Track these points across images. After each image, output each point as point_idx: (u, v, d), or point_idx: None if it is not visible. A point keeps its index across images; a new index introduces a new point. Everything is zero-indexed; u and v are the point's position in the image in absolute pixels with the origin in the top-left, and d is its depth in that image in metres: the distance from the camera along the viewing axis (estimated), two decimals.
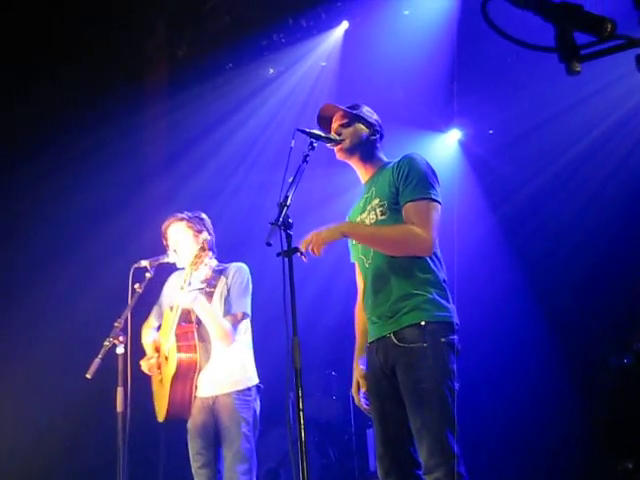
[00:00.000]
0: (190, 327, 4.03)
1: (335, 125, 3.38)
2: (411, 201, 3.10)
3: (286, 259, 2.85)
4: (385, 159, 3.43)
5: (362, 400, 3.33)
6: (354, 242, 3.37)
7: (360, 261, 3.33)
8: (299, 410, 2.75)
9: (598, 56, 1.31)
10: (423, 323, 3.03)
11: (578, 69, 1.33)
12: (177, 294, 3.98)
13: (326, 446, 6.91)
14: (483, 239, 7.33)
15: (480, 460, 6.34)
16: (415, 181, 3.13)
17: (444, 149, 7.86)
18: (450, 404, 2.97)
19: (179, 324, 3.99)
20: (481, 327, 6.60)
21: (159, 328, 4.33)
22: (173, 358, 3.94)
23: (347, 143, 3.33)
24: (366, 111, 3.45)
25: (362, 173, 3.43)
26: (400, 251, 3.10)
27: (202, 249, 3.85)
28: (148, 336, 4.33)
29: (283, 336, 2.78)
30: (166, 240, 4.22)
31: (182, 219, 4.22)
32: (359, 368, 3.36)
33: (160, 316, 4.34)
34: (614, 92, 6.72)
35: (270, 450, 6.29)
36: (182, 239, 4.16)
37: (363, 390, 3.32)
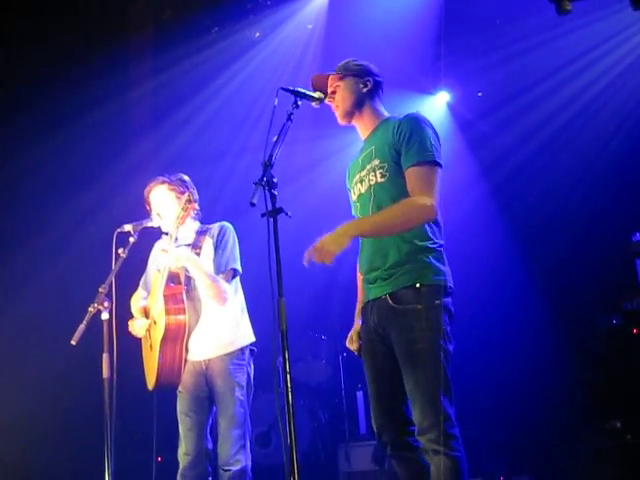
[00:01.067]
0: (179, 288, 3.97)
1: (330, 91, 3.34)
2: (413, 165, 3.06)
3: (271, 219, 2.80)
4: (386, 113, 3.38)
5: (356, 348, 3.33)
6: (352, 198, 3.35)
7: (358, 217, 3.29)
8: (286, 373, 2.72)
9: None
10: (418, 285, 3.03)
11: (569, 7, 1.28)
12: (162, 255, 3.91)
13: (316, 409, 6.94)
14: (473, 203, 7.31)
15: (471, 422, 6.37)
16: (417, 144, 3.09)
17: (432, 112, 7.78)
18: (444, 365, 2.97)
19: (167, 285, 3.93)
20: (471, 292, 6.59)
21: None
22: (161, 321, 3.88)
23: (340, 109, 3.31)
24: (352, 62, 3.38)
25: (362, 128, 3.39)
26: (407, 228, 3.06)
27: (188, 201, 3.82)
28: (136, 303, 4.28)
29: (269, 299, 2.74)
30: (149, 205, 4.16)
31: (163, 182, 4.15)
32: (357, 323, 3.35)
33: (147, 284, 4.30)
34: (608, 52, 6.68)
35: (261, 414, 6.30)
36: (165, 202, 4.09)
37: (355, 348, 3.32)
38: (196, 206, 3.93)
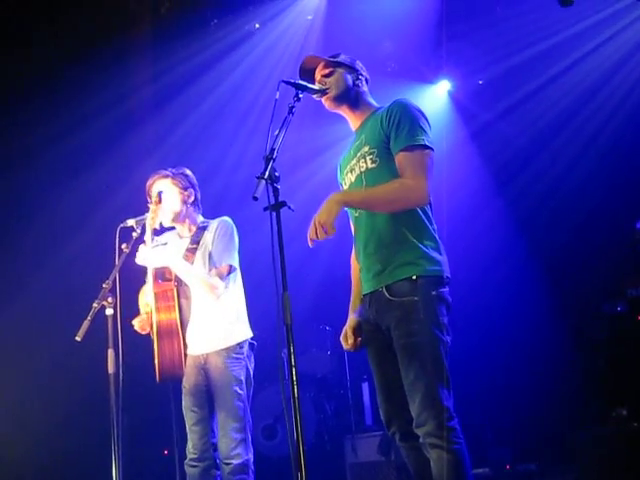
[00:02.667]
0: (169, 285, 3.97)
1: (318, 76, 3.31)
2: (403, 150, 3.03)
3: (273, 213, 2.79)
4: (375, 104, 3.36)
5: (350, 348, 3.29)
6: (345, 189, 3.32)
7: (351, 210, 3.27)
8: (291, 366, 2.72)
9: None
10: (414, 277, 3.00)
11: None
12: (139, 254, 3.88)
13: (322, 401, 6.96)
14: (474, 192, 7.30)
15: (476, 411, 6.39)
16: (407, 128, 3.05)
17: (434, 100, 7.78)
18: (442, 357, 2.94)
19: (156, 282, 3.93)
20: (474, 279, 6.60)
21: None
22: (154, 319, 3.91)
23: (333, 91, 3.26)
24: (346, 56, 3.38)
25: (352, 120, 3.37)
26: (397, 208, 3.04)
27: (156, 202, 3.85)
28: (143, 299, 4.29)
29: (273, 292, 2.73)
30: (150, 197, 4.15)
31: (167, 176, 4.13)
32: (351, 317, 3.32)
33: None
34: (613, 39, 6.67)
35: (267, 407, 6.32)
36: (167, 196, 4.08)
37: (349, 343, 3.28)
38: (162, 205, 3.89)
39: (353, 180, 3.23)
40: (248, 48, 7.16)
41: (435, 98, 7.81)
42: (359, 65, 3.39)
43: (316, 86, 3.25)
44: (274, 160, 2.83)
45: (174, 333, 3.93)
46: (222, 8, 7.11)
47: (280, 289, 2.73)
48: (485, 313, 6.75)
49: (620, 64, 6.83)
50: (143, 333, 4.11)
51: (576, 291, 6.84)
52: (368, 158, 3.14)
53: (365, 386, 6.78)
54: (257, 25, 7.30)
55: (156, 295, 3.92)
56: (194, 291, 4.02)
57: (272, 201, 2.80)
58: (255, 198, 2.72)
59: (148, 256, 3.85)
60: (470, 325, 6.17)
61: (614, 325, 6.31)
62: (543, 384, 6.49)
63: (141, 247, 3.87)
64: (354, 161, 3.23)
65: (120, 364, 3.71)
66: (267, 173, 2.79)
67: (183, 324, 3.97)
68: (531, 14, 6.44)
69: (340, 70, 3.30)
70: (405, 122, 3.07)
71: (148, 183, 4.14)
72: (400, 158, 3.04)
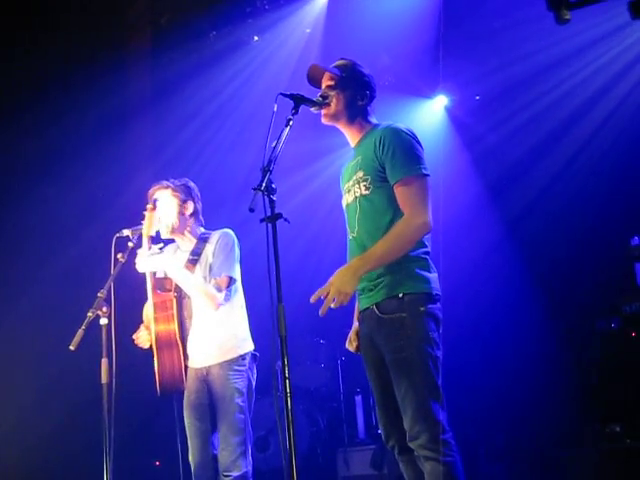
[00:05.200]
0: (168, 295, 3.96)
1: (324, 86, 3.31)
2: (401, 181, 3.07)
3: (269, 225, 2.80)
4: (374, 121, 3.36)
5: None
6: (343, 206, 3.35)
7: (348, 231, 3.31)
8: (285, 378, 2.72)
9: (588, 3, 1.26)
10: (401, 295, 3.05)
11: (567, 17, 1.28)
12: (137, 262, 3.88)
13: (315, 414, 6.94)
14: (470, 206, 7.32)
15: (469, 426, 6.37)
16: (402, 158, 3.08)
17: (430, 116, 7.81)
18: (432, 372, 2.98)
19: (155, 292, 3.92)
20: (468, 294, 6.61)
21: None
22: (152, 330, 3.90)
23: (332, 108, 3.27)
24: (357, 70, 3.36)
25: (350, 137, 3.38)
26: (410, 248, 3.06)
27: (150, 209, 3.89)
28: (146, 312, 4.29)
29: (268, 304, 2.74)
30: None
31: (168, 187, 4.13)
32: (355, 323, 3.38)
33: None
34: (604, 51, 6.70)
35: (259, 418, 6.28)
36: (166, 207, 4.08)
37: (354, 346, 3.34)
38: (155, 214, 3.88)
39: (349, 202, 3.28)
40: (247, 60, 7.19)
41: (432, 113, 7.84)
42: (371, 83, 3.36)
43: (315, 99, 3.26)
44: (271, 172, 2.85)
45: (173, 344, 3.91)
46: (221, 20, 7.13)
47: (275, 301, 2.74)
48: (478, 329, 6.75)
49: (618, 78, 6.85)
50: (145, 347, 4.10)
51: (570, 308, 6.85)
52: (362, 184, 3.18)
53: (358, 399, 6.77)
54: (256, 38, 7.33)
55: (155, 305, 3.91)
56: (195, 303, 4.01)
57: (268, 213, 2.81)
58: (252, 210, 2.74)
59: (145, 262, 3.85)
60: (463, 340, 6.17)
61: (608, 342, 6.31)
62: (537, 400, 6.48)
63: (139, 252, 3.86)
64: (351, 182, 3.27)
65: (114, 374, 3.70)
66: (264, 185, 2.81)
67: (183, 335, 3.96)
68: (528, 29, 6.46)
69: (345, 87, 3.28)
70: (399, 151, 3.10)
71: (149, 193, 4.14)
72: (399, 191, 3.08)
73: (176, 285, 3.97)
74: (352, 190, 3.24)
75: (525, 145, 7.29)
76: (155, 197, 4.08)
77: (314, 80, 3.35)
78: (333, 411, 7.04)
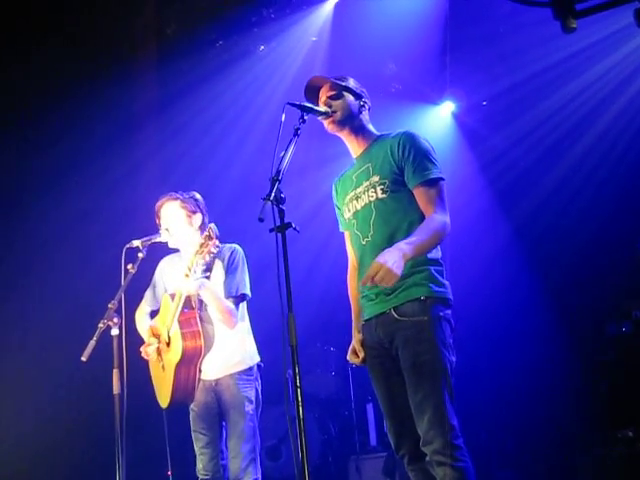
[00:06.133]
0: (192, 313, 4.00)
1: (324, 97, 3.34)
2: (422, 183, 3.12)
3: (279, 235, 2.81)
4: (376, 132, 3.41)
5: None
6: (345, 215, 3.37)
7: (355, 237, 3.31)
8: (296, 387, 2.73)
9: (594, 11, 1.26)
10: (423, 298, 3.05)
11: (574, 25, 1.28)
12: (181, 281, 3.91)
13: (326, 421, 6.93)
14: (478, 212, 7.30)
15: (480, 432, 6.36)
16: (422, 161, 3.14)
17: (438, 122, 7.81)
18: (449, 376, 3.00)
19: (182, 311, 3.95)
20: (477, 299, 6.59)
21: (153, 313, 4.31)
22: (178, 345, 3.91)
23: (338, 115, 3.29)
24: (353, 82, 3.42)
25: (353, 146, 3.40)
26: (439, 243, 3.11)
27: (209, 237, 3.76)
28: (142, 322, 4.32)
29: (278, 313, 2.74)
30: (159, 219, 4.18)
31: (176, 198, 4.17)
32: (356, 335, 3.36)
33: (153, 301, 4.32)
34: (610, 58, 6.69)
35: (271, 427, 6.30)
36: (175, 219, 4.12)
37: (360, 357, 3.31)
38: (216, 241, 3.80)
39: (359, 208, 3.28)
40: (254, 70, 7.19)
41: (439, 119, 7.84)
42: (362, 91, 3.43)
43: (321, 108, 3.28)
44: (280, 182, 2.86)
45: (195, 359, 3.95)
46: (227, 30, 7.15)
47: (285, 310, 2.74)
48: (486, 333, 6.73)
49: (627, 82, 6.84)
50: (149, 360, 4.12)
51: (581, 312, 6.83)
52: (379, 188, 3.20)
53: (370, 407, 6.75)
54: (262, 47, 7.34)
55: (180, 322, 3.93)
56: (214, 319, 4.04)
57: (278, 222, 2.82)
58: (261, 219, 2.75)
59: (200, 285, 3.88)
60: (474, 345, 6.16)
61: (620, 346, 6.29)
62: (548, 405, 6.46)
63: (191, 277, 3.86)
64: (360, 189, 3.28)
65: (125, 384, 3.72)
66: (272, 195, 2.82)
67: (205, 351, 3.99)
68: (534, 35, 6.46)
69: (347, 94, 3.34)
70: (419, 155, 3.16)
71: (157, 205, 4.19)
72: (420, 191, 3.13)
73: (197, 302, 4.01)
74: (363, 196, 3.25)
75: (533, 150, 7.28)
76: (167, 211, 4.13)
77: (312, 91, 3.37)
78: (344, 419, 7.03)
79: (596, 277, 6.75)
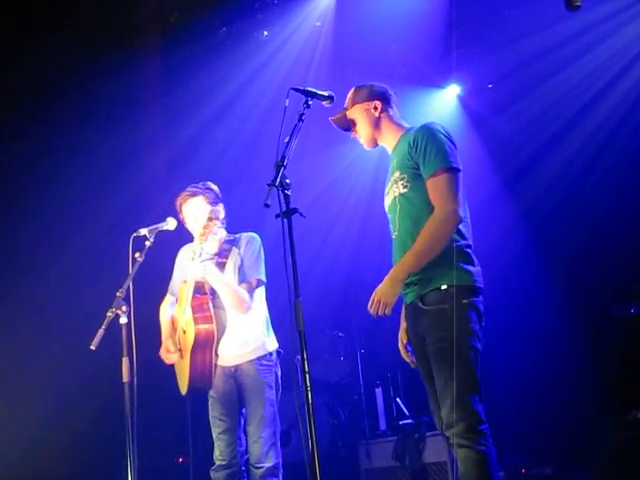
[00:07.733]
0: (205, 298, 4.03)
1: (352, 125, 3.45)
2: (432, 176, 3.14)
3: (285, 220, 2.81)
4: (405, 125, 3.46)
5: (407, 352, 3.39)
6: (386, 211, 3.43)
7: (391, 230, 3.37)
8: (305, 372, 2.74)
9: None
10: (444, 287, 3.10)
11: (578, 3, 1.27)
12: (188, 267, 3.98)
13: (336, 407, 6.95)
14: (484, 197, 7.28)
15: (491, 415, 6.35)
16: (433, 154, 3.15)
17: (443, 105, 7.78)
18: (472, 363, 3.05)
19: (194, 296, 3.99)
20: (485, 282, 6.56)
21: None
22: (191, 330, 3.95)
23: (364, 140, 3.45)
24: (357, 90, 3.47)
25: (387, 146, 3.49)
26: (444, 243, 3.11)
27: (209, 219, 3.84)
28: (165, 312, 4.35)
29: (286, 298, 2.75)
30: (182, 214, 4.20)
31: (197, 194, 4.18)
32: (403, 323, 3.43)
33: (176, 293, 4.34)
34: (618, 41, 6.63)
35: (281, 412, 6.29)
36: (200, 214, 4.10)
37: (404, 342, 3.39)
38: (218, 222, 3.90)
39: (389, 203, 3.37)
40: (257, 55, 7.17)
41: (445, 102, 7.81)
42: (375, 90, 3.46)
43: (325, 92, 3.28)
44: (285, 167, 2.86)
45: (209, 344, 3.98)
46: (231, 16, 7.13)
47: (293, 296, 2.74)
48: (498, 318, 6.70)
49: (633, 65, 6.79)
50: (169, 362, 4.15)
51: (588, 294, 6.81)
52: (400, 183, 3.26)
53: (379, 391, 6.76)
54: (266, 33, 7.32)
55: (193, 307, 3.98)
56: (225, 304, 4.07)
57: (283, 208, 2.82)
58: (267, 205, 2.75)
59: (202, 269, 3.93)
60: (483, 330, 6.15)
61: (628, 327, 6.28)
62: (558, 388, 6.46)
63: (196, 261, 3.92)
64: (389, 185, 3.37)
65: (134, 372, 3.73)
66: (278, 180, 2.82)
67: (220, 336, 4.03)
68: (540, 17, 6.42)
69: (358, 111, 3.42)
70: (431, 148, 3.17)
71: (179, 202, 4.21)
72: (430, 185, 3.16)
73: (210, 288, 4.04)
74: (391, 191, 3.33)
75: (539, 133, 7.25)
76: (190, 206, 4.15)
77: (345, 128, 3.49)
78: (354, 404, 7.04)
79: (604, 259, 6.73)
